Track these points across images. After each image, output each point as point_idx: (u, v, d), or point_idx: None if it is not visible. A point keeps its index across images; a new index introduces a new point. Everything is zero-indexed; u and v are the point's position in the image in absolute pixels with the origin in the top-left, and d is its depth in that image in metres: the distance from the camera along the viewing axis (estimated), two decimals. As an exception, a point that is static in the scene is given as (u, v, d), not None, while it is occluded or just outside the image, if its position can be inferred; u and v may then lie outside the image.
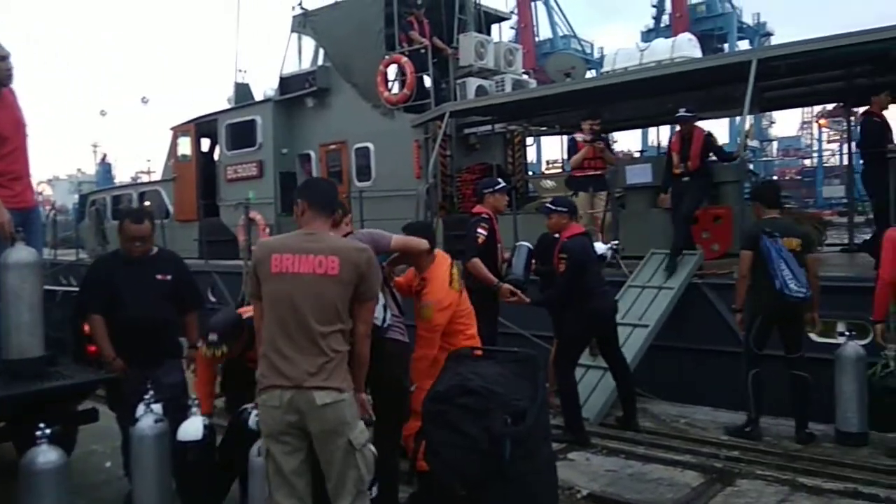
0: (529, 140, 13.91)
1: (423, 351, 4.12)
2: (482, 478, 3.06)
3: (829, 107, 27.07)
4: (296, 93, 12.13)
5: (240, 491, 3.75)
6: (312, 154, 12.19)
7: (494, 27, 13.00)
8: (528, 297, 5.25)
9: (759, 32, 41.93)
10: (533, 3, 44.58)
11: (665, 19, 41.52)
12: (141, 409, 3.57)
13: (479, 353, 3.75)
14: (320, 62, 12.16)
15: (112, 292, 3.96)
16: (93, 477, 4.65)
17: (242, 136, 12.77)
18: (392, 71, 11.21)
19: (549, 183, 11.55)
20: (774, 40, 38.34)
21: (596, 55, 41.72)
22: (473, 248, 5.25)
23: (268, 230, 11.57)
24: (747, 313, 5.20)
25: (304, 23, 12.40)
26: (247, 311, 3.81)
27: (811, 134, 52.62)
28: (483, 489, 3.09)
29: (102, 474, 4.67)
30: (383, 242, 3.79)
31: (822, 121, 44.40)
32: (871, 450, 4.84)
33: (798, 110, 48.09)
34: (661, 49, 9.82)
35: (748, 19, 42.51)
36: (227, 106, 13.98)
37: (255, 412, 3.30)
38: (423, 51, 10.88)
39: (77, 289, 4.60)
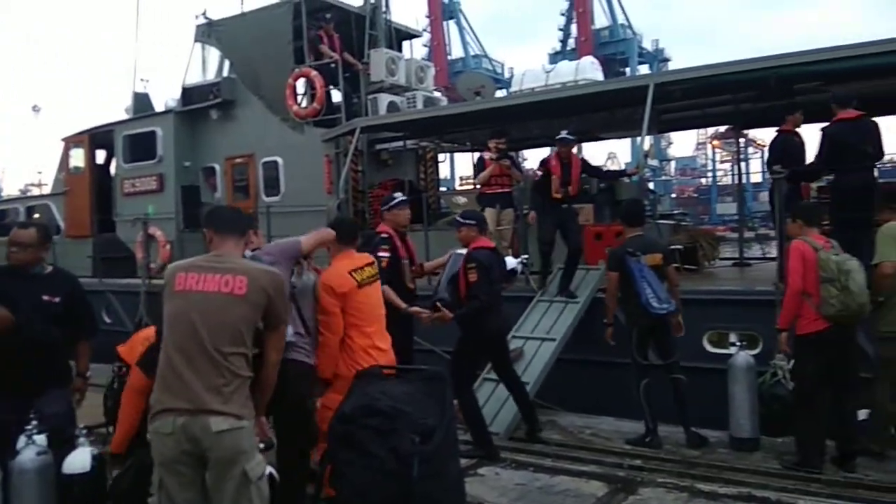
0: (442, 156, 14.05)
1: (322, 336, 3.93)
2: (389, 499, 3.00)
3: (722, 129, 29.04)
4: (199, 104, 11.74)
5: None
6: (217, 167, 11.81)
7: (406, 44, 13.08)
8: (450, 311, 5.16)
9: (657, 58, 44.33)
10: (445, 23, 45.36)
11: (571, 42, 43.20)
12: (22, 440, 3.30)
13: (389, 371, 3.70)
14: (225, 73, 11.81)
15: None
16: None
17: (141, 147, 12.22)
18: (301, 84, 11.04)
19: (461, 199, 11.66)
20: (672, 65, 40.66)
21: (507, 75, 42.82)
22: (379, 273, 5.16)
23: (168, 246, 11.09)
24: (627, 327, 5.54)
25: (209, 32, 12.06)
26: (145, 334, 3.62)
27: (706, 154, 55.98)
28: (391, 511, 3.02)
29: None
30: (294, 249, 3.69)
31: (715, 142, 47.47)
32: (763, 454, 5.12)
33: (694, 132, 51.13)
34: (566, 71, 10.16)
35: (648, 45, 44.88)
36: (124, 116, 13.34)
37: None
38: (333, 65, 10.80)
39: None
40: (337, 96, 11.23)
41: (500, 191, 8.17)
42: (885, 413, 4.93)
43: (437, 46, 43.97)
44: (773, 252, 8.62)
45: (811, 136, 6.98)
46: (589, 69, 10.21)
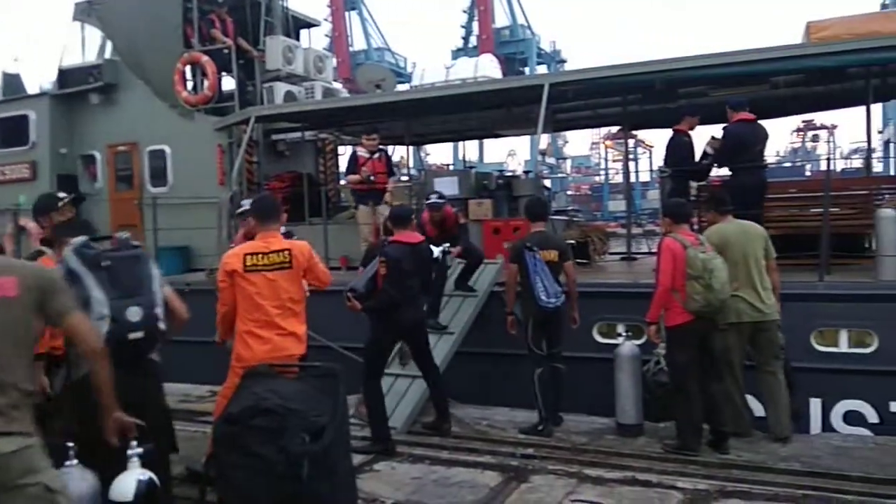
0: (342, 149, 13.83)
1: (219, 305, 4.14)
2: (277, 502, 2.90)
3: (613, 129, 30.32)
4: (78, 87, 10.96)
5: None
6: (98, 155, 11.10)
7: (305, 34, 12.76)
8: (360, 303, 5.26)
9: (554, 59, 45.61)
10: (347, 13, 44.65)
11: (473, 40, 43.67)
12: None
13: (279, 370, 3.58)
14: (107, 55, 11.05)
15: None
16: None
17: (12, 133, 11.30)
18: (191, 70, 10.53)
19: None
20: (569, 67, 42.01)
21: (409, 69, 42.73)
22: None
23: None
24: (523, 317, 5.75)
25: (90, 11, 11.26)
26: None
27: (599, 153, 58.33)
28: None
29: None
30: None
31: (607, 142, 49.54)
32: (647, 439, 5.40)
33: (589, 131, 53.10)
34: (465, 68, 10.23)
35: (546, 46, 46.07)
36: (-8, 98, 12.24)
37: None
38: (226, 51, 10.36)
39: None
40: (230, 84, 10.79)
41: (373, 188, 8.15)
42: (732, 399, 5.24)
43: (339, 37, 43.16)
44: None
45: (699, 137, 7.47)
46: (488, 66, 10.33)
